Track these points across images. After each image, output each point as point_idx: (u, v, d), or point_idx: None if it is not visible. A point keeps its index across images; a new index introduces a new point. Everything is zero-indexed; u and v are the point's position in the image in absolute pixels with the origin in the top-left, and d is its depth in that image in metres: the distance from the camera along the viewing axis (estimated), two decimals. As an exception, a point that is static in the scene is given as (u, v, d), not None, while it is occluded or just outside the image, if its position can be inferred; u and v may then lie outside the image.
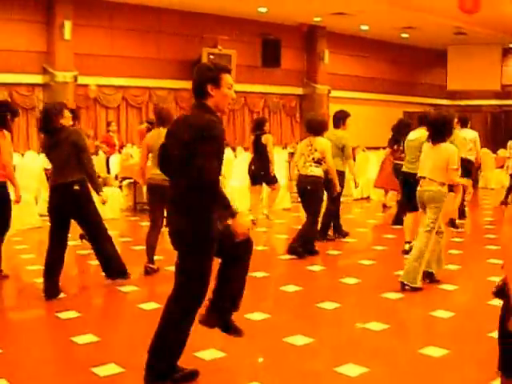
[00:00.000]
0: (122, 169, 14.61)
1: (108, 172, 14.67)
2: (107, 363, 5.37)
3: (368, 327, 6.32)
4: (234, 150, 17.52)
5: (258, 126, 12.73)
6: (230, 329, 5.25)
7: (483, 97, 28.25)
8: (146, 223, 11.23)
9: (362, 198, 16.73)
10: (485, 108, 28.90)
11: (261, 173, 12.40)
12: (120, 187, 14.17)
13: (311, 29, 23.58)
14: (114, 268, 8.07)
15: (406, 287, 7.66)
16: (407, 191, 9.86)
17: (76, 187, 7.46)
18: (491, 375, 5.10)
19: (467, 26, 22.36)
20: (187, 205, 4.79)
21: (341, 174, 10.53)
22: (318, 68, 23.78)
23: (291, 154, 15.08)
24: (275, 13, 20.72)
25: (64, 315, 6.74)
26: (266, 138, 12.35)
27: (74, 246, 9.70)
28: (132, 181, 14.21)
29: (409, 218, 10.01)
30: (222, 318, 5.22)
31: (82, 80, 18.02)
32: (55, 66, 17.65)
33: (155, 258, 8.73)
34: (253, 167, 12.58)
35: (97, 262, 8.22)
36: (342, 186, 10.58)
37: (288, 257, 9.61)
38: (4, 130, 8.25)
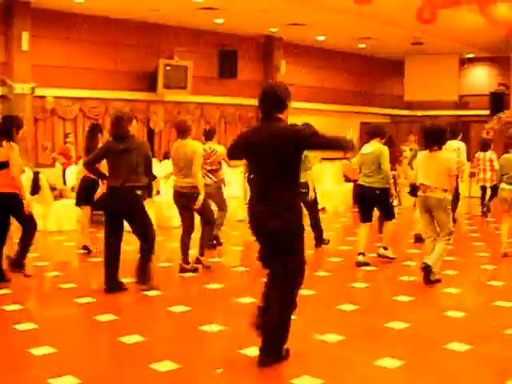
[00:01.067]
0: (79, 181, 14.57)
1: (64, 184, 14.62)
2: (64, 375, 5.35)
3: (324, 339, 6.38)
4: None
5: None
6: None
7: (441, 107, 28.49)
8: (102, 234, 11.19)
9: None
10: (442, 118, 29.10)
11: None
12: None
13: (268, 40, 23.64)
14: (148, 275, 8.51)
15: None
16: (364, 204, 10.15)
17: (139, 192, 8.30)
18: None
19: (424, 35, 22.57)
20: (288, 205, 5.54)
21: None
22: (275, 79, 23.82)
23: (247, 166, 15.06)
24: (232, 24, 20.75)
25: (21, 327, 6.74)
26: None
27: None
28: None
29: (363, 229, 10.20)
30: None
31: (39, 92, 17.88)
32: (13, 77, 17.51)
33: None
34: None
35: (54, 273, 8.23)
36: None
37: (243, 268, 9.68)
38: (11, 143, 8.61)
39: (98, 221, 12.47)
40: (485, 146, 16.31)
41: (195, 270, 9.51)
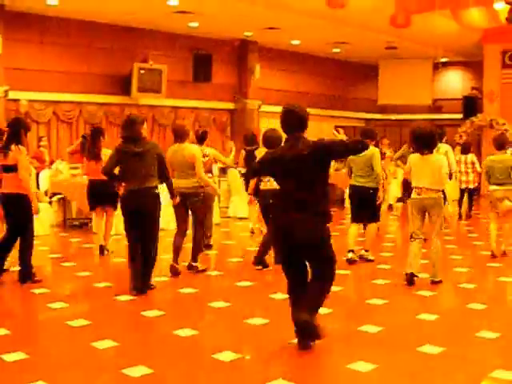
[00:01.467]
0: (52, 184, 14.51)
1: (38, 187, 14.53)
2: (36, 381, 5.29)
3: (296, 343, 6.39)
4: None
5: (252, 141, 13.24)
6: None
7: (414, 111, 28.60)
8: (76, 239, 11.22)
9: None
10: (416, 122, 29.24)
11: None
12: (50, 203, 14.07)
13: (242, 43, 23.64)
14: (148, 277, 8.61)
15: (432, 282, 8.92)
16: (357, 204, 10.35)
17: (156, 191, 8.50)
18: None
19: (398, 40, 22.68)
20: (322, 209, 6.14)
21: None
22: (249, 83, 23.84)
23: (222, 170, 15.07)
24: (206, 28, 20.74)
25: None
26: (260, 152, 12.64)
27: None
28: (62, 196, 14.14)
29: (353, 228, 10.37)
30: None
31: (12, 95, 17.80)
32: (-14, 81, 17.46)
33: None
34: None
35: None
36: None
37: (216, 273, 9.66)
38: (20, 146, 8.78)
39: (72, 225, 12.45)
40: (465, 150, 16.80)
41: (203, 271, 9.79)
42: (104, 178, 9.02)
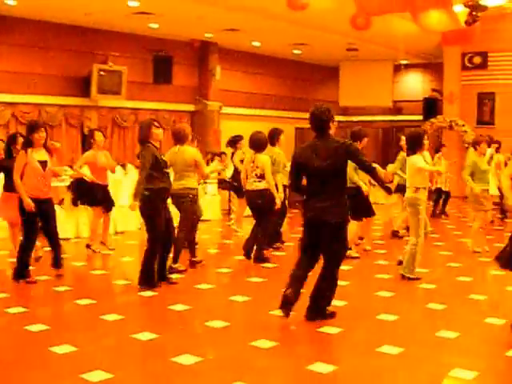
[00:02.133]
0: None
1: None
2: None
3: (257, 345, 6.37)
4: (124, 167, 17.34)
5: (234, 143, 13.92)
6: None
7: (375, 113, 28.79)
8: (39, 243, 11.09)
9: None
10: (377, 124, 29.45)
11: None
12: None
13: (203, 45, 23.57)
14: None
15: (405, 277, 9.38)
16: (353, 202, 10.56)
17: (146, 192, 8.83)
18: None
19: (359, 42, 22.77)
20: (343, 200, 7.22)
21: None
22: (210, 84, 23.78)
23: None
24: (167, 29, 20.65)
25: None
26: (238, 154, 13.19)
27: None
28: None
29: (353, 225, 10.62)
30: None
31: (-30, 97, 17.69)
32: None
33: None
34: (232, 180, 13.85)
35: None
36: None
37: (176, 276, 9.62)
38: (21, 150, 9.28)
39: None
40: (437, 151, 17.27)
41: (183, 272, 9.91)
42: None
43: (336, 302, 8.00)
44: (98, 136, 11.55)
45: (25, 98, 18.93)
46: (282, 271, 10.06)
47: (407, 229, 13.29)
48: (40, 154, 9.21)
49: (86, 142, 11.09)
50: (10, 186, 9.87)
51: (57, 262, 9.52)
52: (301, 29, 20.22)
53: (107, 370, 5.59)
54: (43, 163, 9.20)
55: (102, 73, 20.00)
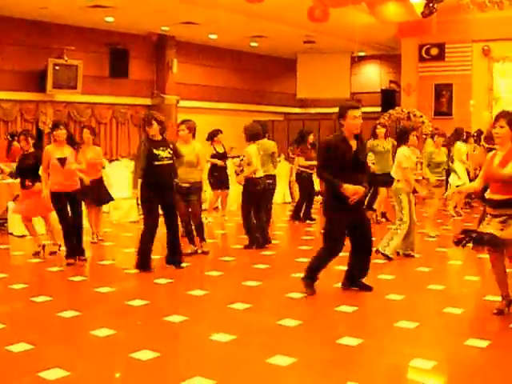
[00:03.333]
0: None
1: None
2: None
3: (215, 339, 6.32)
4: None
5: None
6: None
7: (334, 105, 28.79)
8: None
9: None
10: (335, 116, 29.47)
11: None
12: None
13: (160, 38, 23.50)
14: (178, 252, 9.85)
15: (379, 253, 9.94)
16: None
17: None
18: (339, 381, 5.23)
19: (316, 34, 22.81)
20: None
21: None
22: (167, 78, 23.69)
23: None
24: (122, 22, 20.54)
25: None
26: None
27: None
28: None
29: None
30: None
31: None
32: None
33: None
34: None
35: None
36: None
37: (134, 271, 9.54)
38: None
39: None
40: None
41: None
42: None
43: (294, 295, 8.01)
44: (85, 133, 11.84)
45: (-20, 93, 18.73)
46: (240, 264, 10.10)
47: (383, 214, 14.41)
48: (60, 151, 9.82)
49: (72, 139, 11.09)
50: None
51: (79, 251, 10.03)
52: (258, 21, 20.23)
53: (64, 368, 5.50)
54: (62, 160, 9.75)
55: (57, 67, 19.88)
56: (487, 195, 6.93)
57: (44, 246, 10.73)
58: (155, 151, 9.36)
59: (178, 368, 5.67)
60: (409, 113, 23.63)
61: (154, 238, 9.61)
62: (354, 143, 7.85)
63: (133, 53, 22.41)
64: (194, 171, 10.53)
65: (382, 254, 9.97)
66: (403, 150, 10.25)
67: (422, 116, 23.37)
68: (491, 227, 6.74)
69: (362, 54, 27.25)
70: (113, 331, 6.59)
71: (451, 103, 24.03)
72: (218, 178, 13.89)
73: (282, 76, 29.40)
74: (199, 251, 10.74)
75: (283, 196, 18.51)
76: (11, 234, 12.58)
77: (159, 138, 9.52)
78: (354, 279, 8.23)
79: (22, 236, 12.27)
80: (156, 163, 9.33)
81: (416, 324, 6.80)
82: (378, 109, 25.43)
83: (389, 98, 25.56)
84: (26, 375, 5.45)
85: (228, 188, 14.49)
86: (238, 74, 27.30)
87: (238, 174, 12.23)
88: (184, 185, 10.36)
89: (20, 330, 6.79)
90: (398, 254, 10.35)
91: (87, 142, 11.69)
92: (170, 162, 9.53)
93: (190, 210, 10.68)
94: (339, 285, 8.43)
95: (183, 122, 10.88)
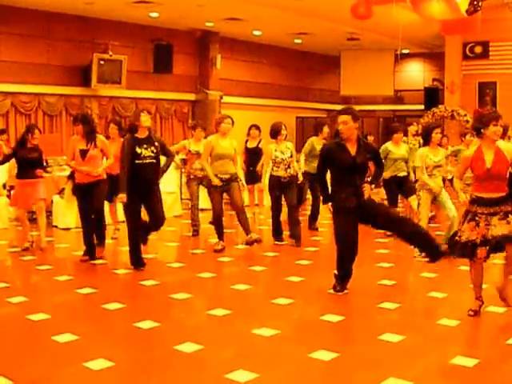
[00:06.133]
0: (11, 177, 14.29)
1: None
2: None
3: (258, 333, 6.36)
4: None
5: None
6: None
7: (376, 102, 28.77)
8: (35, 233, 11.09)
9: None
10: (378, 113, 29.42)
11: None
12: (8, 196, 13.86)
13: (204, 34, 23.56)
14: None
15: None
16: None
17: None
18: (381, 376, 5.23)
19: (360, 31, 22.73)
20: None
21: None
22: (211, 74, 23.77)
23: (182, 161, 15.04)
24: (167, 18, 20.64)
25: None
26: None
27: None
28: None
29: None
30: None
31: (-30, 86, 17.67)
32: None
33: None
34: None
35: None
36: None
37: (177, 264, 9.60)
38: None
39: (31, 218, 12.30)
40: None
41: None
42: None
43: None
44: (112, 128, 11.82)
45: (25, 87, 18.91)
46: (283, 259, 10.13)
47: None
48: (82, 143, 9.88)
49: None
50: (22, 174, 10.65)
51: (99, 242, 10.15)
52: (302, 18, 20.22)
53: (109, 359, 5.58)
54: (83, 151, 9.82)
55: (102, 62, 20.02)
56: (483, 195, 6.83)
57: (32, 243, 10.83)
58: (137, 149, 9.05)
59: (221, 361, 5.71)
60: (452, 111, 23.47)
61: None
62: (353, 147, 7.84)
63: (177, 48, 22.50)
64: (230, 163, 10.56)
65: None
66: (420, 150, 10.11)
67: (465, 115, 23.19)
68: (498, 228, 6.70)
69: (405, 51, 27.10)
70: (156, 324, 6.66)
71: (495, 101, 23.81)
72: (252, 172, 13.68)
73: (325, 73, 29.35)
74: (252, 238, 10.54)
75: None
76: (56, 226, 12.72)
77: (144, 135, 9.19)
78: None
79: (67, 229, 12.41)
80: (137, 161, 9.04)
81: (457, 322, 6.78)
82: (421, 107, 25.31)
83: (432, 96, 25.40)
84: (72, 365, 5.53)
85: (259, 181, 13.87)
86: (281, 71, 27.30)
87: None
88: (224, 176, 10.35)
89: (65, 321, 6.89)
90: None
91: (113, 137, 11.54)
92: (153, 161, 9.16)
93: (231, 199, 10.59)
94: (383, 282, 8.43)
95: (226, 116, 10.84)
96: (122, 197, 8.99)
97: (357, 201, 7.76)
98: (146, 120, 9.18)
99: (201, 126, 12.19)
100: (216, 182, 10.27)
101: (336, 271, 8.07)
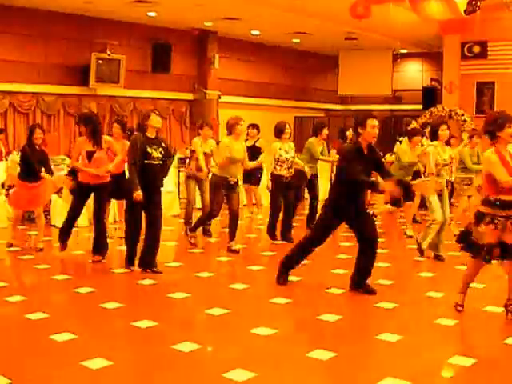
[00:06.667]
0: (9, 176, 14.30)
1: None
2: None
3: (256, 332, 6.37)
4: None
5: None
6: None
7: (374, 102, 28.75)
8: (34, 232, 11.09)
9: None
10: (376, 113, 29.35)
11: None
12: (7, 195, 13.86)
13: (202, 33, 23.51)
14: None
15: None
16: None
17: None
18: (379, 375, 5.25)
19: (358, 31, 22.71)
20: None
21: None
22: (209, 73, 23.74)
23: (180, 160, 15.07)
24: (165, 17, 20.62)
25: None
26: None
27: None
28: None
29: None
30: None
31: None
32: None
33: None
34: None
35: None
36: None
37: (175, 264, 9.61)
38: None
39: (29, 218, 12.32)
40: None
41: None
42: None
43: (334, 290, 8.05)
44: (115, 128, 11.78)
45: (23, 86, 18.90)
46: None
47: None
48: (89, 145, 9.76)
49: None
50: (27, 176, 10.48)
51: (95, 247, 9.92)
52: (300, 18, 20.20)
53: (107, 358, 5.58)
54: (90, 153, 9.72)
55: (100, 61, 20.01)
56: (505, 197, 6.64)
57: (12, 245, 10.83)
58: (148, 149, 8.83)
59: (219, 360, 5.73)
60: (450, 111, 23.46)
61: (139, 237, 9.25)
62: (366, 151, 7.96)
63: (175, 48, 22.47)
64: (240, 167, 10.61)
65: (419, 245, 9.97)
66: (432, 148, 10.00)
67: (463, 114, 23.18)
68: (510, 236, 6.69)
69: (403, 51, 27.05)
70: (155, 323, 6.67)
71: (493, 102, 23.78)
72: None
73: (323, 72, 29.34)
74: (233, 248, 10.52)
75: (325, 192, 18.44)
76: (53, 225, 12.71)
77: (153, 135, 8.99)
78: None
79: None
80: (146, 162, 8.82)
81: (455, 322, 6.79)
82: (420, 106, 25.29)
83: (430, 96, 25.37)
84: (70, 364, 5.54)
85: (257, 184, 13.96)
86: (279, 70, 27.28)
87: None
88: (233, 179, 10.33)
89: (63, 320, 6.90)
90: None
91: (116, 137, 11.39)
92: (161, 162, 8.96)
93: (229, 204, 10.51)
94: (380, 281, 8.45)
95: (239, 117, 10.49)
96: (139, 194, 8.71)
97: (355, 210, 7.91)
98: (158, 121, 8.98)
99: (208, 124, 12.04)
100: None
101: (286, 262, 8.38)
